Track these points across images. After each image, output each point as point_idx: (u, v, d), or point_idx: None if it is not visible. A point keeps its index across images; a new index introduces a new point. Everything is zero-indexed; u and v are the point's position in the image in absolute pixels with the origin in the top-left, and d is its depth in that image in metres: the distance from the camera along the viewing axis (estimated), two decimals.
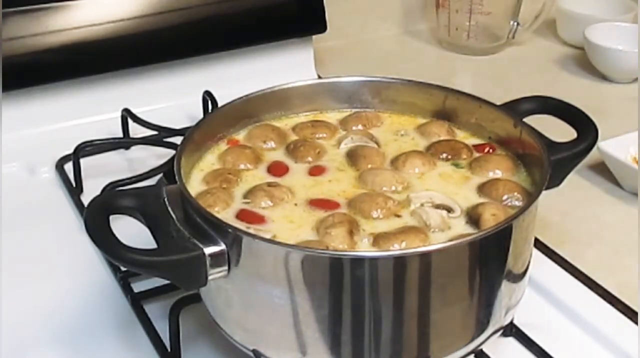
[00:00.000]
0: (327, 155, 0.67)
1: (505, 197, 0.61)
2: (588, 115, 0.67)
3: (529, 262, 0.61)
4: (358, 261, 0.52)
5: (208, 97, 0.90)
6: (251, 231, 0.56)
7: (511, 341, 0.65)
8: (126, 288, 0.69)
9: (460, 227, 0.59)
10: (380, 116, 0.72)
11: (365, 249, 0.56)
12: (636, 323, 0.66)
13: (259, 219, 0.59)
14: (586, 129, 0.66)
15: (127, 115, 0.89)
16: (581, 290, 0.70)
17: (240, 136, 0.69)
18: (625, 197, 0.85)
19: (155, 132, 0.88)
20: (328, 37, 1.05)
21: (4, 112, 0.87)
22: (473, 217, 0.59)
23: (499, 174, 0.64)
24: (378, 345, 0.54)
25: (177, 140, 0.66)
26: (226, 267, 0.54)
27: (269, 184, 0.62)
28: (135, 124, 0.89)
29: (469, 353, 0.58)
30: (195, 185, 0.63)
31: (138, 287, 0.69)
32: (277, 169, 0.65)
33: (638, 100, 0.97)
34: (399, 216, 0.60)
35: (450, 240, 0.56)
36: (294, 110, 0.71)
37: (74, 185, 0.82)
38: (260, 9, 0.99)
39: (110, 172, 0.82)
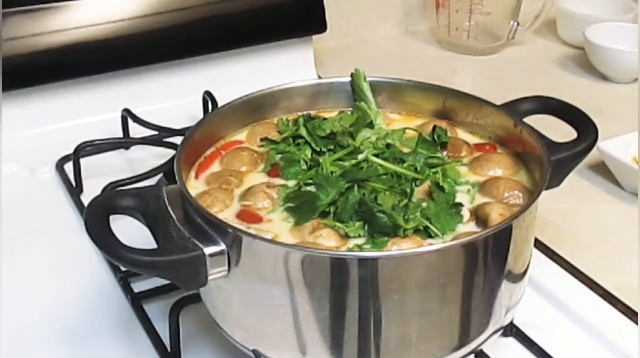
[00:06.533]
0: None
1: (506, 195, 0.61)
2: (588, 115, 0.67)
3: (529, 262, 0.61)
4: (358, 261, 0.52)
5: (208, 97, 0.90)
6: (251, 231, 0.56)
7: (511, 341, 0.65)
8: (126, 288, 0.69)
9: (467, 228, 0.58)
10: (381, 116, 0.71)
11: (364, 249, 0.56)
12: (636, 323, 0.66)
13: (258, 219, 0.59)
14: (586, 129, 0.66)
15: (127, 115, 0.89)
16: (581, 290, 0.70)
17: (242, 135, 0.69)
18: (625, 197, 0.85)
19: (155, 132, 0.88)
20: (328, 37, 1.05)
21: (4, 112, 0.87)
22: (480, 217, 0.59)
23: (499, 172, 0.64)
24: (378, 345, 0.54)
25: (177, 140, 0.67)
26: (226, 267, 0.54)
27: (268, 185, 0.62)
28: (135, 124, 0.89)
29: (469, 353, 0.58)
30: (195, 185, 0.63)
31: (138, 287, 0.69)
32: (277, 169, 0.65)
33: (638, 100, 0.97)
34: None
35: (452, 239, 0.56)
36: (294, 110, 0.71)
37: (74, 185, 0.82)
38: (260, 9, 0.99)
39: (110, 172, 0.82)
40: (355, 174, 0.60)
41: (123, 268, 0.69)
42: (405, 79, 0.72)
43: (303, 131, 0.66)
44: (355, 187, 0.59)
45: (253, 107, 0.70)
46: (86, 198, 0.78)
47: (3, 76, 0.85)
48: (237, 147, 0.67)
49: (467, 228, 0.58)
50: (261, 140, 0.68)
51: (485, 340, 0.58)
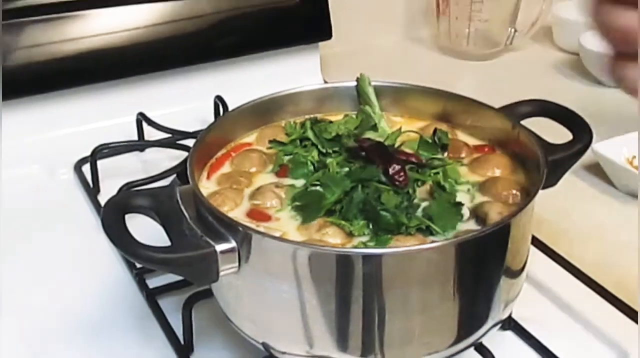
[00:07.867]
0: None
1: (504, 194, 0.62)
2: (583, 117, 0.67)
3: (527, 259, 0.61)
4: (363, 257, 0.53)
5: (219, 101, 0.91)
6: (261, 229, 0.57)
7: (510, 334, 0.66)
8: (141, 284, 0.70)
9: (467, 226, 0.59)
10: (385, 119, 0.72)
11: (368, 246, 0.57)
12: (629, 316, 0.66)
13: (267, 218, 0.60)
14: (581, 131, 0.66)
15: (142, 119, 0.90)
16: (576, 285, 0.70)
17: (251, 137, 0.70)
18: (619, 196, 0.85)
19: (169, 135, 0.89)
20: (334, 44, 1.06)
21: (25, 117, 0.88)
22: (480, 215, 0.59)
23: (498, 172, 0.65)
24: (382, 337, 0.55)
25: (190, 142, 0.68)
26: (236, 264, 0.55)
27: (277, 185, 0.63)
28: (149, 127, 0.90)
29: (469, 346, 0.59)
30: (207, 185, 0.64)
31: (153, 283, 0.70)
32: (285, 170, 0.66)
33: (638, 104, 0.98)
34: None
35: (453, 237, 0.57)
36: (301, 113, 0.72)
37: (91, 185, 0.83)
38: (269, 17, 0.99)
39: (126, 173, 0.83)
40: (360, 174, 0.61)
41: (138, 265, 0.70)
42: (408, 83, 0.72)
43: (310, 133, 0.67)
44: (360, 186, 0.60)
45: (262, 111, 0.70)
46: (103, 199, 0.77)
47: (24, 82, 0.86)
48: (246, 149, 0.68)
49: (468, 226, 0.59)
50: (270, 142, 0.68)
51: (485, 333, 0.59)
